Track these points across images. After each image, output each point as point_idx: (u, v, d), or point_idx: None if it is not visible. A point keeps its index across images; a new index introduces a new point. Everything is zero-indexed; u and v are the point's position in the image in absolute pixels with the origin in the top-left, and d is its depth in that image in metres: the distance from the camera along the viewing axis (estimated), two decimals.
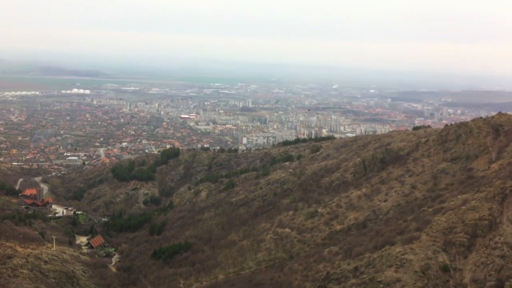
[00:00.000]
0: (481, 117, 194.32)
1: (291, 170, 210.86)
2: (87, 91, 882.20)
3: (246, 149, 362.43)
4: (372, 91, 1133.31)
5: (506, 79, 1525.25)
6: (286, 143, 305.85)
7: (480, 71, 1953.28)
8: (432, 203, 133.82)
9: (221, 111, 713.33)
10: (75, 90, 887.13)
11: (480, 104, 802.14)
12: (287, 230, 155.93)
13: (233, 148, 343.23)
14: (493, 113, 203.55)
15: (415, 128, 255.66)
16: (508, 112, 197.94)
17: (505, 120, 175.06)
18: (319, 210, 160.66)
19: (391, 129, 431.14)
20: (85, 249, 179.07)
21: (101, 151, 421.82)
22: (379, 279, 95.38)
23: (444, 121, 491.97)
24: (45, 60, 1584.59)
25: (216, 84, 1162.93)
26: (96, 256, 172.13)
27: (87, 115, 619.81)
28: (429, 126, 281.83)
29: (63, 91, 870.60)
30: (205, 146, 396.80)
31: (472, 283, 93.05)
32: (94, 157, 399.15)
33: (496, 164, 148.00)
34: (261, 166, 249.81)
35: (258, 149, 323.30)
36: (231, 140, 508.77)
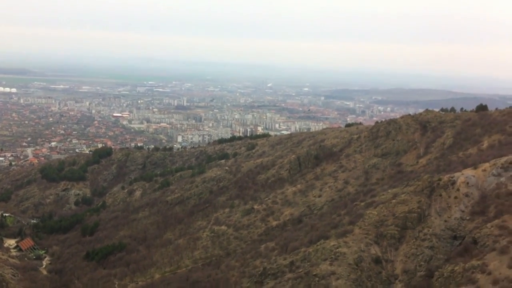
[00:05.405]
0: (409, 114, 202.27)
1: (227, 167, 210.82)
2: (14, 90, 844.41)
3: (181, 147, 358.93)
4: (306, 89, 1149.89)
5: (431, 77, 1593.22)
6: (221, 141, 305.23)
7: (408, 70, 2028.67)
8: (364, 198, 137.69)
9: (155, 110, 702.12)
10: (0, 89, 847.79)
11: (408, 101, 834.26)
12: (223, 227, 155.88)
13: (168, 147, 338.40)
14: (421, 110, 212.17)
15: (348, 125, 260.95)
16: (435, 109, 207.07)
17: (432, 117, 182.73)
18: (255, 206, 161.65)
19: (324, 126, 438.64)
20: (14, 252, 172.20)
21: (29, 151, 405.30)
22: (314, 273, 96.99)
23: (375, 118, 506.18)
24: None
25: (150, 82, 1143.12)
26: (25, 259, 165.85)
27: (14, 114, 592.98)
28: (360, 123, 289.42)
29: None
30: (139, 145, 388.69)
31: (403, 274, 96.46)
32: (22, 157, 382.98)
33: (424, 159, 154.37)
34: (196, 164, 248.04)
35: (193, 147, 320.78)
36: (166, 139, 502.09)
